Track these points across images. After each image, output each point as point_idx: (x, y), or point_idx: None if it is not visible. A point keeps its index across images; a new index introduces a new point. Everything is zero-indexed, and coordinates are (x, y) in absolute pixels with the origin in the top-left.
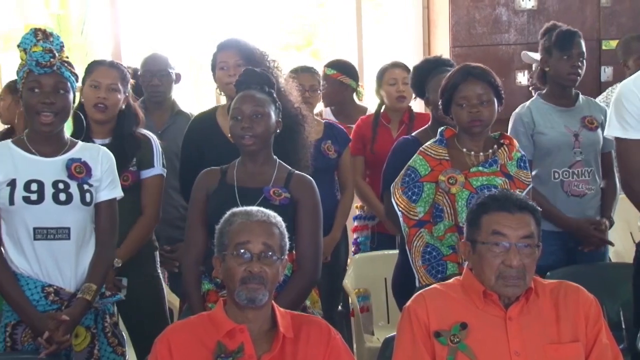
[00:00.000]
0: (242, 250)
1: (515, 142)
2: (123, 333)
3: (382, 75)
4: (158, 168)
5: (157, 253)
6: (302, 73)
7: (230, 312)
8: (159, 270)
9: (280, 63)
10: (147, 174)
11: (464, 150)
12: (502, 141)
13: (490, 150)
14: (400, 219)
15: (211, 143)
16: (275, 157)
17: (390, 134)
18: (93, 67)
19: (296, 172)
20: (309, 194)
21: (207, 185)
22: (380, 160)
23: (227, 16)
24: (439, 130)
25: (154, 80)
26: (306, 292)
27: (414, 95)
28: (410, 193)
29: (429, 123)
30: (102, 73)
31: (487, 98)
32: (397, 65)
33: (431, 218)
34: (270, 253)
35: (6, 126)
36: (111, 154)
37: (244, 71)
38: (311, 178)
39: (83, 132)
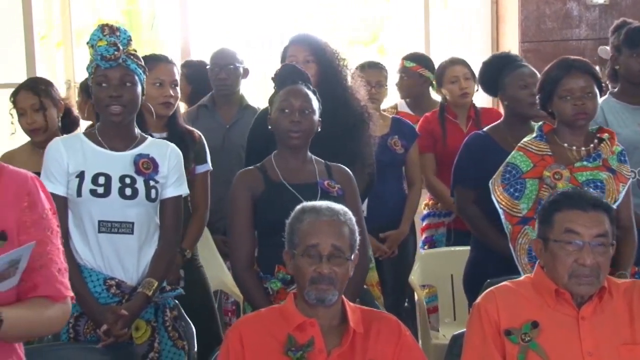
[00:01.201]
0: (311, 252)
1: (616, 135)
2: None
3: (443, 74)
4: (209, 164)
5: (198, 247)
6: (369, 69)
7: (300, 305)
8: (201, 263)
9: (348, 61)
10: (201, 169)
11: (565, 145)
12: (601, 135)
13: (592, 145)
14: (502, 217)
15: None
16: (309, 152)
17: (460, 129)
18: (154, 63)
19: (332, 163)
20: (350, 182)
21: (250, 186)
22: (453, 156)
23: (295, 11)
24: (537, 125)
25: (222, 74)
26: (362, 279)
27: (477, 89)
28: (512, 190)
29: (503, 118)
30: (164, 70)
31: (590, 90)
32: (456, 62)
33: (535, 214)
34: (339, 253)
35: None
36: (179, 151)
37: (283, 66)
38: (347, 168)
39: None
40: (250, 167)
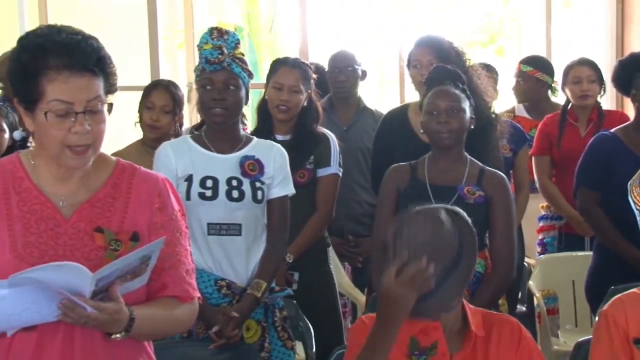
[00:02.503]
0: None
1: None
2: (309, 325)
3: (568, 73)
4: (334, 167)
5: (330, 249)
6: None
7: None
8: (331, 266)
9: (474, 62)
10: (323, 172)
11: None
12: None
13: None
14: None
15: (402, 140)
16: (466, 154)
17: (578, 133)
18: (276, 67)
19: (488, 168)
20: (502, 191)
21: (397, 182)
22: (568, 159)
23: (413, 14)
24: None
25: (341, 76)
26: (502, 290)
27: (602, 93)
28: None
29: (633, 120)
30: (284, 74)
31: None
32: (583, 62)
33: None
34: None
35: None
36: (284, 151)
37: (434, 68)
38: (504, 175)
39: (268, 128)
40: (403, 163)
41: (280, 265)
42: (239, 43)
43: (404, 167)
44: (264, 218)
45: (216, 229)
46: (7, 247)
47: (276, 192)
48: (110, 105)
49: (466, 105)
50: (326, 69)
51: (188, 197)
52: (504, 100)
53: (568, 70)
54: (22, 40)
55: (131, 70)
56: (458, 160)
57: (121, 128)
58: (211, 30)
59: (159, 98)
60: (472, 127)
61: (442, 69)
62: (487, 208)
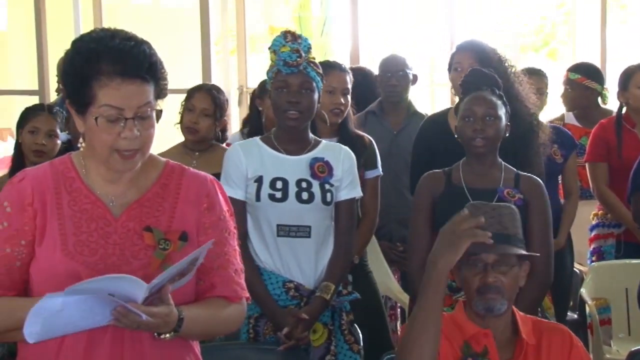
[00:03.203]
0: (474, 262)
1: None
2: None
3: (630, 78)
4: (379, 169)
5: (369, 250)
6: (530, 76)
7: (470, 315)
8: (370, 268)
9: (517, 67)
10: (371, 174)
11: None
12: None
13: None
14: None
15: (442, 144)
16: (500, 159)
17: (637, 138)
18: (327, 71)
19: (522, 173)
20: (539, 194)
21: (431, 189)
22: (629, 166)
23: (465, 17)
24: None
25: (392, 80)
26: (541, 295)
27: None
28: None
29: None
30: (337, 78)
31: None
32: None
33: None
34: (505, 263)
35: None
36: (352, 154)
37: (470, 71)
38: (539, 179)
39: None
40: (436, 170)
41: (348, 269)
42: (310, 47)
43: (437, 174)
44: (331, 220)
45: (285, 230)
46: (59, 245)
47: (344, 195)
48: (160, 112)
49: (502, 112)
50: (377, 73)
51: (258, 198)
52: (556, 106)
53: (631, 74)
54: (76, 43)
55: (183, 73)
56: (493, 166)
57: (172, 130)
58: (285, 34)
59: (200, 101)
60: (507, 134)
61: (478, 72)
62: (525, 211)
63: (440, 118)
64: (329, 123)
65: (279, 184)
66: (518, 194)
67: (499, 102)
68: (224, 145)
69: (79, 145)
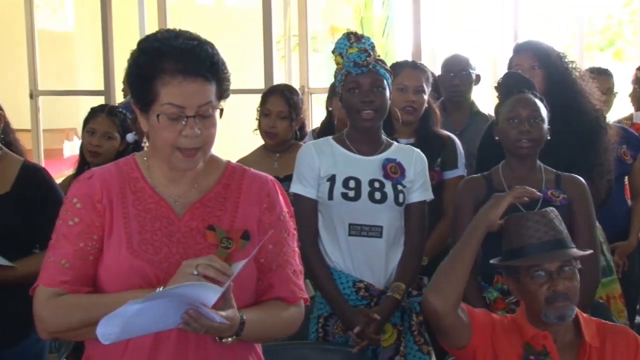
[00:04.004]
0: (537, 272)
1: None
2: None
3: None
4: (461, 169)
5: None
6: (596, 75)
7: (531, 319)
8: None
9: (578, 64)
10: (450, 174)
11: None
12: None
13: None
14: None
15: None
16: (538, 161)
17: None
18: (398, 69)
19: (563, 173)
20: (582, 193)
21: (474, 194)
22: None
23: (527, 17)
24: None
25: (455, 80)
26: (590, 297)
27: None
28: None
29: None
30: (408, 76)
31: None
32: None
33: None
34: (566, 267)
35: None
36: (424, 156)
37: (506, 74)
38: (580, 177)
39: (391, 132)
40: (476, 175)
41: (419, 270)
42: (374, 46)
43: (477, 179)
44: (402, 221)
45: (357, 230)
46: (124, 244)
47: (415, 197)
48: (221, 111)
49: (544, 115)
50: (439, 73)
51: (330, 197)
52: (624, 107)
53: None
54: (141, 44)
55: (246, 74)
56: (534, 168)
57: (236, 130)
58: (348, 35)
59: (275, 104)
60: (549, 137)
61: (515, 75)
62: (569, 210)
63: None
64: (400, 121)
65: (351, 183)
66: (562, 194)
67: (542, 105)
68: (302, 143)
69: (142, 144)
